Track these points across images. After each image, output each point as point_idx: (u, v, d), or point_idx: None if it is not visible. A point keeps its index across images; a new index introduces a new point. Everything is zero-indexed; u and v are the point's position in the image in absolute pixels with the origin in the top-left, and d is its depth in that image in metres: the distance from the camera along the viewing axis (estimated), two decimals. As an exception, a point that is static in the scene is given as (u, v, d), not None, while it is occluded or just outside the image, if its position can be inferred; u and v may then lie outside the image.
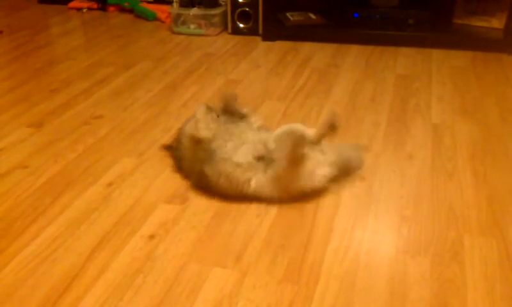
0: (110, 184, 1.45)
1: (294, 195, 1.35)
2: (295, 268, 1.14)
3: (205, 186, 1.39)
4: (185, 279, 1.11)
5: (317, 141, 1.36)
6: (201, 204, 1.36)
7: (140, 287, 1.09)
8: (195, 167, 1.40)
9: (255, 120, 1.52)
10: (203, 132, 1.40)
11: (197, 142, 1.40)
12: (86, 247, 1.21)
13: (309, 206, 1.34)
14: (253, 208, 1.34)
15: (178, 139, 1.50)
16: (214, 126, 1.41)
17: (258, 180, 1.34)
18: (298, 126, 1.37)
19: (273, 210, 1.33)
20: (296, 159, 1.31)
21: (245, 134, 1.41)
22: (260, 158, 1.35)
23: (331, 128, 1.35)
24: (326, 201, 1.36)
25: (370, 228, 1.27)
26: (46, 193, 1.41)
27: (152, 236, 1.24)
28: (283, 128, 1.38)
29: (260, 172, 1.34)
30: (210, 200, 1.37)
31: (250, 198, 1.35)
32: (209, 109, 1.49)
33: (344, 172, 1.44)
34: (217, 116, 1.47)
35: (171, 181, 1.46)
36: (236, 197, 1.36)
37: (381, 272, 1.13)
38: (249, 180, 1.34)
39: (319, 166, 1.36)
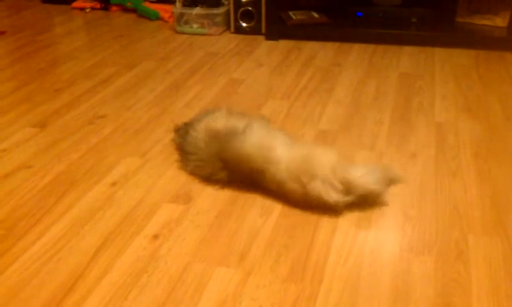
0: (114, 184, 1.45)
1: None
2: (299, 268, 1.14)
3: (224, 172, 1.39)
4: (189, 279, 1.11)
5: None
6: (205, 204, 1.36)
7: (144, 286, 1.10)
8: (210, 159, 1.41)
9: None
10: (221, 124, 1.41)
11: (214, 134, 1.40)
12: (90, 247, 1.21)
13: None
14: (257, 208, 1.34)
15: (188, 133, 1.50)
16: (233, 121, 1.43)
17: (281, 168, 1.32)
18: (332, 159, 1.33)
19: (277, 209, 1.33)
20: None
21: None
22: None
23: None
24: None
25: (374, 227, 1.27)
26: (50, 193, 1.42)
27: (155, 236, 1.24)
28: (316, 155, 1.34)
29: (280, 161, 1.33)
30: (213, 199, 1.37)
31: (256, 192, 1.36)
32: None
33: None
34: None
35: (174, 180, 1.46)
36: (250, 185, 1.37)
37: (385, 271, 1.13)
38: (278, 163, 1.32)
39: (331, 191, 1.29)
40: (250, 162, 1.35)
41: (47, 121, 1.81)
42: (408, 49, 2.44)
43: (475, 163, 1.52)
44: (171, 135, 1.69)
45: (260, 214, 1.32)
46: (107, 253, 1.19)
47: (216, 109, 1.57)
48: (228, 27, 2.73)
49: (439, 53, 2.39)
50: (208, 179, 1.42)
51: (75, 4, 3.21)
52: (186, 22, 2.72)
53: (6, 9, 3.23)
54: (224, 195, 1.38)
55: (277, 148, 1.34)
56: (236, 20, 2.67)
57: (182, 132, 1.55)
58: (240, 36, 2.67)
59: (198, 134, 1.44)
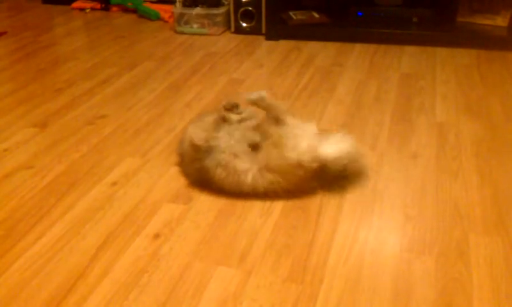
0: (114, 184, 1.45)
1: (290, 177, 1.34)
2: (299, 268, 1.14)
3: (204, 180, 1.39)
4: (189, 278, 1.11)
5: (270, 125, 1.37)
6: (206, 204, 1.36)
7: (145, 286, 1.09)
8: (194, 165, 1.41)
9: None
10: (201, 141, 1.38)
11: (194, 149, 1.40)
12: (91, 247, 1.21)
13: (313, 206, 1.34)
14: (257, 208, 1.34)
15: (183, 136, 1.50)
16: (218, 135, 1.39)
17: (254, 173, 1.34)
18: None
19: (277, 209, 1.33)
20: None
21: (243, 130, 1.42)
22: (254, 147, 1.36)
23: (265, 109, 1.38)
24: (330, 201, 1.36)
25: (375, 227, 1.27)
26: (50, 193, 1.42)
27: (156, 236, 1.24)
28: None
29: (255, 164, 1.34)
30: (214, 199, 1.37)
31: (250, 195, 1.36)
32: (221, 118, 1.47)
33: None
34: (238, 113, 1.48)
35: (175, 180, 1.46)
36: (235, 192, 1.36)
37: (386, 271, 1.13)
38: (246, 171, 1.34)
39: (302, 140, 1.34)
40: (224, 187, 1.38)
41: (47, 122, 1.81)
42: (409, 49, 2.44)
43: (476, 163, 1.52)
44: (172, 136, 1.69)
45: (261, 214, 1.31)
46: (107, 253, 1.19)
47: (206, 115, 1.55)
48: (229, 27, 2.73)
49: (440, 53, 2.38)
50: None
51: (75, 5, 3.21)
52: (186, 22, 2.72)
53: (6, 10, 3.23)
54: (225, 195, 1.38)
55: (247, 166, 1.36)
56: (236, 20, 2.67)
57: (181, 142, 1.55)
58: (241, 36, 2.67)
59: (186, 144, 1.45)
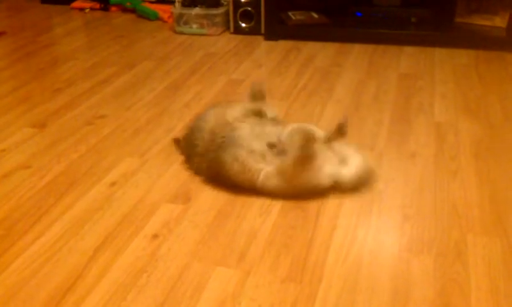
0: (113, 184, 1.45)
1: (299, 190, 1.35)
2: (298, 268, 1.14)
3: (215, 174, 1.40)
4: (188, 279, 1.11)
5: (326, 142, 1.41)
6: (204, 204, 1.36)
7: (143, 286, 1.09)
8: (209, 155, 1.42)
9: (271, 112, 1.56)
10: (232, 118, 1.45)
11: (221, 127, 1.43)
12: (89, 247, 1.21)
13: (312, 205, 1.34)
14: (256, 207, 1.34)
15: (191, 134, 1.51)
16: (243, 122, 1.45)
17: (266, 172, 1.35)
18: (310, 127, 1.44)
19: (276, 209, 1.33)
20: (303, 158, 1.32)
21: (264, 125, 1.46)
22: (271, 146, 1.38)
23: (340, 132, 1.41)
24: (329, 200, 1.36)
25: (373, 226, 1.27)
26: (49, 193, 1.42)
27: (155, 236, 1.24)
28: (295, 125, 1.44)
29: (269, 163, 1.36)
30: (213, 199, 1.37)
31: (255, 192, 1.36)
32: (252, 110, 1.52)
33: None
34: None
35: (174, 180, 1.46)
36: (243, 187, 1.37)
37: (384, 271, 1.13)
38: (259, 170, 1.35)
39: (327, 164, 1.37)
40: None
41: (46, 121, 1.81)
42: (407, 49, 2.44)
43: (475, 163, 1.52)
44: (171, 136, 1.69)
45: (259, 214, 1.31)
46: (106, 253, 1.19)
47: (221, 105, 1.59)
48: (228, 28, 2.73)
49: (439, 53, 2.39)
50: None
51: (74, 5, 3.21)
52: (185, 22, 2.72)
53: (5, 10, 3.23)
54: (224, 195, 1.38)
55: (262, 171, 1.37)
56: (235, 21, 2.67)
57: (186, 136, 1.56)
58: (240, 37, 2.67)
59: (201, 135, 1.47)
